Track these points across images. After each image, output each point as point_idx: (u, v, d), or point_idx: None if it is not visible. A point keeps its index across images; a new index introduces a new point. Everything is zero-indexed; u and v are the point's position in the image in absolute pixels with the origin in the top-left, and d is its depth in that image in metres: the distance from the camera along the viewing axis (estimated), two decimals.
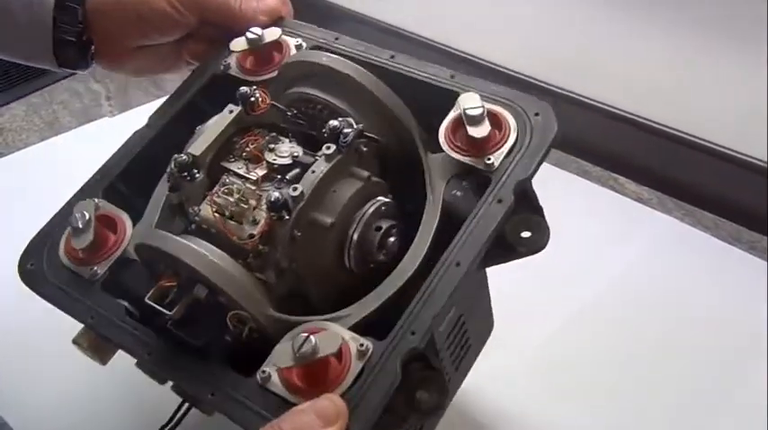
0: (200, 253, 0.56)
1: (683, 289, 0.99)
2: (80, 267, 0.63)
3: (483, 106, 0.60)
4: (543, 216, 0.58)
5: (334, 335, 0.52)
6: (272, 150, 0.63)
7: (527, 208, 0.58)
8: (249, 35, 0.69)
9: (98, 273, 0.62)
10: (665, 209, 1.15)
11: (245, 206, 0.59)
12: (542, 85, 1.33)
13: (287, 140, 0.64)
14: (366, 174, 0.61)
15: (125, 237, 0.63)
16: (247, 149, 0.63)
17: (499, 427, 0.81)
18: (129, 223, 0.64)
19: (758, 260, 1.04)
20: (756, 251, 1.07)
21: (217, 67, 0.71)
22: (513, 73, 1.36)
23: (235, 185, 0.60)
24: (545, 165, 1.22)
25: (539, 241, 0.57)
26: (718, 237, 1.09)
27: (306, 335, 0.51)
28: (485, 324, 0.74)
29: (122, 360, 0.63)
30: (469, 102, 0.60)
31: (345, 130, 0.60)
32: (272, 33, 0.69)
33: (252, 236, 0.58)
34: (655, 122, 1.22)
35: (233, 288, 0.56)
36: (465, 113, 0.60)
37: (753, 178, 1.12)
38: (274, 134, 0.64)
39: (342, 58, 0.65)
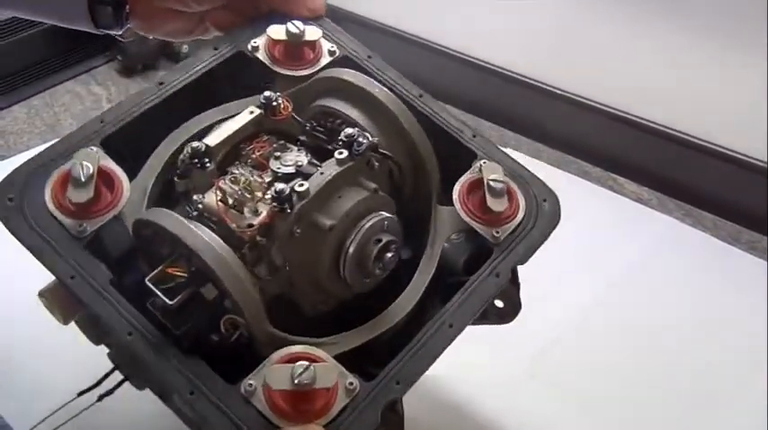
0: (222, 256, 0.55)
1: (684, 289, 0.99)
2: (68, 220, 0.58)
3: (506, 182, 0.63)
4: (519, 291, 0.63)
5: (332, 368, 0.53)
6: (277, 158, 0.62)
7: (511, 280, 0.62)
8: (291, 28, 0.68)
9: (87, 230, 0.58)
10: (664, 209, 1.16)
11: (249, 196, 0.59)
12: (542, 86, 1.33)
13: (294, 149, 0.64)
14: (374, 186, 0.61)
15: (121, 198, 0.59)
16: (253, 156, 0.63)
17: (503, 425, 0.81)
18: (126, 184, 0.60)
19: (758, 260, 1.05)
20: (756, 251, 1.07)
21: (245, 45, 0.70)
22: (513, 74, 1.36)
23: (243, 176, 0.60)
24: (545, 166, 1.23)
25: (509, 313, 0.63)
26: (717, 238, 1.10)
27: (307, 364, 0.51)
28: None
29: None
30: (494, 173, 0.63)
31: (360, 139, 0.60)
32: (313, 33, 0.69)
33: (251, 225, 0.57)
34: (654, 123, 1.23)
35: (242, 297, 0.55)
36: (488, 184, 0.63)
37: (752, 178, 1.13)
38: (282, 142, 0.64)
39: (375, 81, 0.65)
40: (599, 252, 0.98)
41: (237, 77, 0.68)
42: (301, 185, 0.57)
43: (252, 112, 0.65)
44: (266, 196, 0.59)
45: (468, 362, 0.75)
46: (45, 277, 0.58)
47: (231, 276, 0.54)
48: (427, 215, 0.65)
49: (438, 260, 0.63)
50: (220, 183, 0.59)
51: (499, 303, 0.63)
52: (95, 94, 1.47)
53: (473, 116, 1.39)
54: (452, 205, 0.64)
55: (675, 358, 0.90)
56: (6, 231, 0.58)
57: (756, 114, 1.10)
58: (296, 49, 0.69)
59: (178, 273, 0.55)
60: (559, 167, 1.25)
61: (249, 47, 0.70)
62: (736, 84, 1.13)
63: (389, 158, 0.63)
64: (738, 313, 0.96)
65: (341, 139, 0.61)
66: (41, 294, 0.58)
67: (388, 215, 0.60)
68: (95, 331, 0.61)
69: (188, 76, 0.67)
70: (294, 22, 0.68)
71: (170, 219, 0.56)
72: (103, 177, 0.59)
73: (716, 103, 1.16)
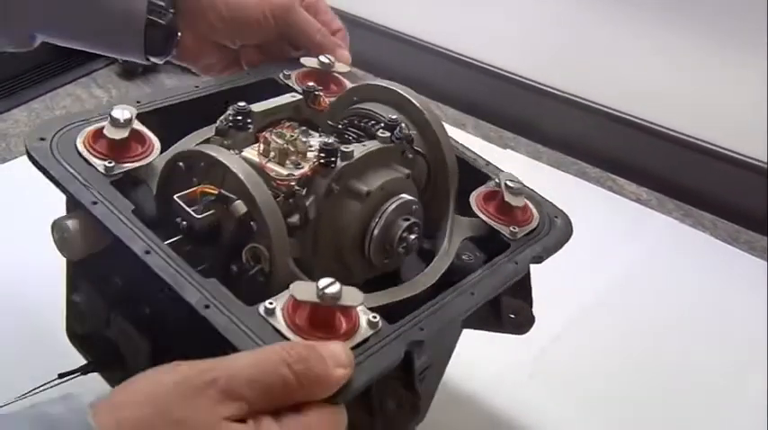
0: (254, 174, 0.56)
1: (683, 289, 1.00)
2: (97, 161, 0.59)
3: (522, 184, 0.66)
4: (531, 306, 0.66)
5: (356, 293, 0.51)
6: (304, 139, 0.64)
7: (524, 296, 0.66)
8: (323, 59, 0.75)
9: (114, 170, 0.59)
10: (664, 209, 1.16)
11: (293, 148, 0.61)
12: (542, 87, 1.33)
13: (317, 135, 0.66)
14: (407, 171, 0.64)
15: (151, 154, 0.61)
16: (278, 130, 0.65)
17: (503, 425, 0.82)
18: (158, 147, 0.62)
19: (757, 260, 1.05)
20: (756, 251, 1.08)
21: (277, 72, 0.76)
22: (513, 75, 1.36)
23: (288, 133, 0.62)
24: (544, 167, 1.23)
25: (523, 324, 0.66)
26: (717, 238, 1.10)
27: (332, 280, 0.50)
28: (426, 404, 0.75)
29: None
30: (510, 178, 0.67)
31: (402, 126, 0.64)
32: (342, 66, 0.76)
33: (291, 175, 0.59)
34: (654, 124, 1.23)
35: (271, 217, 0.55)
36: (506, 184, 0.66)
37: (752, 179, 1.13)
38: (305, 128, 0.67)
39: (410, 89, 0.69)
40: (599, 252, 0.98)
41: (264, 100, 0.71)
42: (347, 148, 0.60)
43: (294, 96, 0.70)
44: (307, 155, 0.61)
45: (468, 361, 0.75)
46: None
47: (262, 193, 0.55)
48: (440, 221, 0.68)
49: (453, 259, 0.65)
50: (266, 135, 0.62)
51: (513, 315, 0.66)
52: (96, 97, 1.47)
53: (473, 117, 1.39)
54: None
55: (675, 358, 0.91)
56: None
57: (756, 115, 1.10)
58: (325, 79, 0.75)
59: (209, 190, 0.56)
60: (559, 168, 1.25)
61: (281, 74, 0.76)
62: (736, 84, 1.13)
63: (422, 155, 0.66)
64: (738, 313, 0.97)
65: (384, 123, 0.64)
66: (56, 222, 0.58)
67: (415, 200, 0.63)
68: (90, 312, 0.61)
69: (221, 86, 0.72)
70: (326, 54, 0.75)
71: (207, 147, 0.59)
72: (136, 136, 0.61)
73: (715, 103, 1.17)
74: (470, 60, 1.42)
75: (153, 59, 0.78)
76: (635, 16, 1.21)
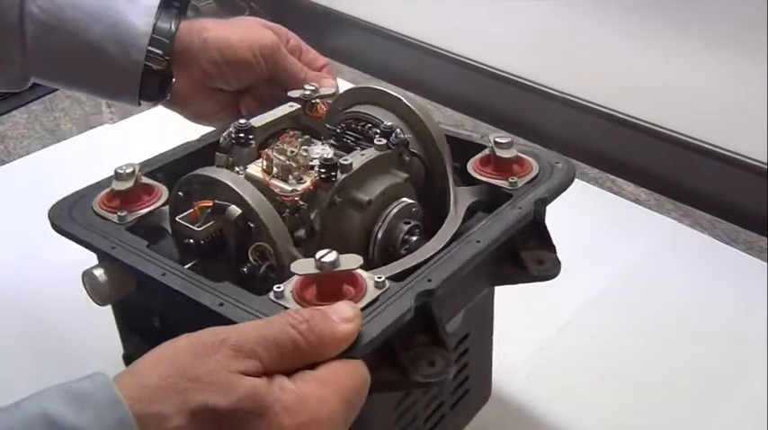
0: (241, 179, 0.61)
1: (682, 290, 1.00)
2: (111, 214, 0.66)
3: (513, 144, 0.68)
4: (555, 253, 0.66)
5: (355, 257, 0.53)
6: (305, 152, 0.67)
7: (545, 245, 0.66)
8: (307, 87, 0.79)
9: (127, 218, 0.65)
10: (663, 210, 1.16)
11: (294, 164, 0.65)
12: (540, 87, 1.33)
13: (319, 143, 0.70)
14: (405, 175, 0.67)
15: (160, 199, 0.67)
16: (279, 145, 0.68)
17: (500, 425, 0.82)
18: (165, 192, 0.67)
19: (756, 260, 1.05)
20: (754, 251, 1.07)
21: None
22: (510, 76, 1.36)
23: (288, 148, 0.66)
24: None
25: (550, 271, 0.65)
26: (716, 238, 1.10)
27: (329, 250, 0.53)
28: (484, 384, 0.79)
29: None
30: (499, 135, 0.69)
31: (398, 131, 0.67)
32: (327, 89, 0.79)
33: (295, 191, 0.63)
34: (652, 124, 1.23)
35: (265, 214, 0.59)
36: (495, 141, 0.68)
37: (751, 179, 1.13)
38: (308, 137, 0.71)
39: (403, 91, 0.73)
40: (597, 253, 0.98)
41: None
42: (345, 160, 0.63)
43: (291, 106, 0.74)
44: (308, 169, 0.64)
45: None
46: None
47: (251, 194, 0.59)
48: (445, 200, 0.69)
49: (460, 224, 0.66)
50: (267, 152, 0.65)
51: (540, 264, 0.65)
52: (95, 99, 1.47)
53: (470, 117, 1.39)
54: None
55: (673, 358, 0.90)
56: None
57: (755, 115, 1.10)
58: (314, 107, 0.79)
59: (204, 205, 0.60)
60: None
61: None
62: (736, 84, 1.13)
63: (418, 157, 0.69)
64: (737, 313, 0.96)
65: (380, 130, 0.67)
66: (84, 273, 0.63)
67: (415, 203, 0.66)
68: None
69: (220, 134, 0.75)
70: (309, 84, 0.79)
71: (198, 170, 0.63)
72: (144, 188, 0.67)
73: (714, 103, 1.16)
74: (468, 61, 1.42)
75: (145, 104, 0.81)
76: (634, 16, 1.21)
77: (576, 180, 1.19)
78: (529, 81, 1.35)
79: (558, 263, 0.65)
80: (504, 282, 0.68)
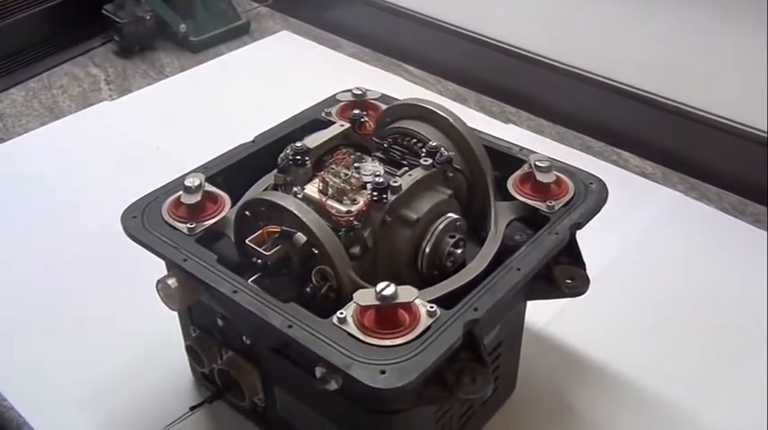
0: (306, 208, 0.67)
1: (688, 262, 1.02)
2: (180, 224, 0.73)
3: (551, 164, 0.75)
4: (585, 269, 0.73)
5: (411, 290, 0.61)
6: (357, 169, 0.74)
7: (575, 261, 0.73)
8: (355, 91, 0.87)
9: (196, 229, 0.72)
10: (669, 183, 1.17)
11: (348, 187, 0.71)
12: (544, 60, 1.33)
13: (370, 160, 0.76)
14: (450, 192, 0.73)
15: (224, 209, 0.74)
16: (334, 167, 0.74)
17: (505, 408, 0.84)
18: (228, 202, 0.75)
19: (763, 232, 1.06)
20: (761, 223, 1.09)
21: (319, 113, 0.89)
22: (515, 48, 1.35)
23: (342, 171, 0.72)
24: (548, 142, 1.23)
25: (579, 288, 0.72)
26: (722, 211, 1.10)
27: (389, 283, 0.60)
28: (511, 379, 0.85)
29: None
30: (539, 158, 0.76)
31: (442, 151, 0.74)
32: (373, 93, 0.88)
33: (349, 212, 0.69)
34: (658, 96, 1.22)
35: (328, 242, 0.66)
36: (535, 165, 0.75)
37: (757, 151, 1.13)
38: (359, 154, 0.77)
39: (444, 107, 0.80)
40: (603, 226, 0.96)
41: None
42: (395, 182, 0.69)
43: (342, 125, 0.81)
44: (361, 190, 0.71)
45: None
46: None
47: (316, 222, 0.66)
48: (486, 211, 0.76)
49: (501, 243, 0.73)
50: (323, 175, 0.71)
51: (569, 280, 0.72)
52: (93, 76, 1.47)
53: (475, 92, 1.39)
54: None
55: (680, 331, 0.91)
56: None
57: (761, 86, 1.09)
58: (362, 108, 0.85)
59: (272, 230, 0.67)
60: (562, 143, 1.25)
61: (323, 113, 0.88)
62: (742, 56, 1.12)
63: (461, 172, 0.76)
64: (743, 285, 0.97)
65: (426, 150, 0.74)
66: (160, 281, 0.70)
67: (459, 217, 0.72)
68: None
69: (275, 136, 0.85)
70: (358, 86, 0.88)
71: (265, 194, 0.72)
72: (208, 196, 0.75)
73: (722, 76, 1.16)
74: (472, 34, 1.42)
75: None
76: None
77: (582, 154, 1.21)
78: (533, 53, 1.35)
79: (588, 280, 0.72)
80: (537, 298, 0.74)
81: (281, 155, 0.75)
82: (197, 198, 0.73)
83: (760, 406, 0.83)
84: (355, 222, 0.69)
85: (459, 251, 0.71)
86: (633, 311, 0.95)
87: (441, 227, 0.70)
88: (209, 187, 0.75)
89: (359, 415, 0.65)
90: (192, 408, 0.80)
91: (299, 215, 0.66)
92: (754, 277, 0.99)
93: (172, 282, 0.69)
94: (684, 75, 1.20)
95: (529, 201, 0.74)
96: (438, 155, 0.73)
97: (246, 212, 0.71)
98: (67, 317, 0.95)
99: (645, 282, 0.99)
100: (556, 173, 0.75)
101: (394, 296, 0.60)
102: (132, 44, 1.53)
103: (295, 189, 0.72)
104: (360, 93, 0.87)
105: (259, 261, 0.68)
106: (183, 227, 0.72)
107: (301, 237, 0.66)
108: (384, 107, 0.84)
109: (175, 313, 0.78)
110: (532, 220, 0.74)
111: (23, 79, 1.46)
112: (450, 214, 0.72)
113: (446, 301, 0.65)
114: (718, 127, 1.18)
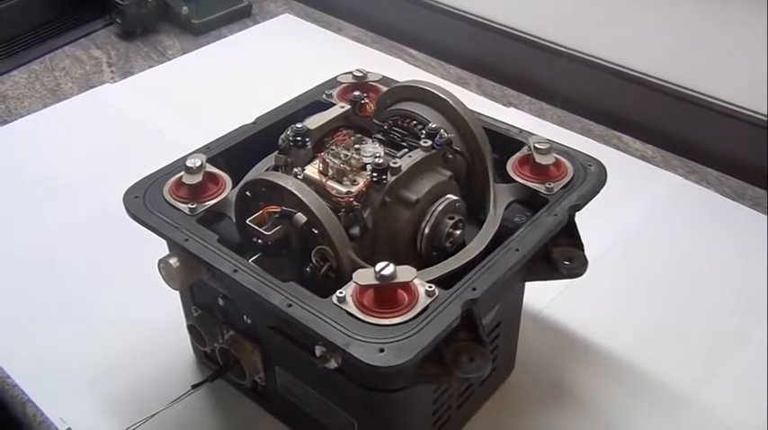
0: (306, 189, 0.68)
1: (688, 245, 1.02)
2: (182, 204, 0.73)
3: (550, 146, 0.75)
4: (583, 251, 0.73)
5: (409, 269, 0.62)
6: (357, 150, 0.74)
7: (574, 243, 0.73)
8: (356, 73, 0.88)
9: (197, 210, 0.73)
10: (669, 166, 1.17)
11: (348, 168, 0.71)
12: (545, 43, 1.33)
13: (370, 142, 0.77)
14: (449, 173, 0.74)
15: (225, 190, 0.75)
16: (334, 148, 0.75)
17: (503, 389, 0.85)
18: (229, 182, 0.76)
19: (762, 216, 1.06)
20: (760, 207, 1.09)
21: (320, 95, 0.89)
22: (515, 32, 1.35)
23: (342, 152, 0.72)
24: (548, 125, 1.23)
25: (577, 269, 0.72)
26: (722, 194, 1.10)
27: (387, 263, 0.61)
28: (509, 359, 0.85)
29: None
30: (538, 140, 0.76)
31: (442, 132, 0.74)
32: (374, 75, 0.89)
33: (349, 192, 0.69)
34: (659, 80, 1.22)
35: (328, 222, 0.66)
36: (534, 146, 0.75)
37: (757, 134, 1.13)
38: (360, 135, 0.78)
39: (444, 89, 0.80)
40: (603, 209, 0.97)
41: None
42: (395, 163, 0.70)
43: (342, 107, 0.81)
44: (361, 171, 0.71)
45: None
46: None
47: (316, 203, 0.67)
48: (485, 192, 0.77)
49: (500, 225, 0.74)
50: (323, 155, 0.72)
51: (568, 262, 0.72)
52: (95, 58, 1.48)
53: (476, 75, 1.38)
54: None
55: (679, 314, 0.92)
56: None
57: (761, 69, 1.09)
58: (362, 89, 0.86)
59: (272, 210, 0.68)
60: (563, 126, 1.25)
61: (324, 95, 0.89)
62: (742, 39, 1.12)
63: (460, 154, 0.76)
64: (743, 269, 0.97)
65: (426, 132, 0.74)
66: (160, 262, 0.71)
67: (459, 199, 0.73)
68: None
69: (276, 117, 0.85)
70: (359, 68, 0.88)
71: (265, 174, 0.72)
72: (209, 177, 0.75)
73: (721, 59, 1.16)
74: (473, 17, 1.41)
75: None
76: None
77: (582, 137, 1.21)
78: (534, 36, 1.35)
79: (586, 261, 0.73)
80: (535, 279, 0.75)
81: (282, 136, 0.76)
82: (198, 179, 0.74)
83: (759, 389, 0.83)
84: (355, 203, 0.69)
85: (458, 232, 0.72)
86: (632, 294, 0.95)
87: (440, 208, 0.71)
88: (210, 168, 0.76)
89: (358, 393, 0.66)
90: (194, 387, 0.81)
91: (300, 195, 0.66)
92: (754, 261, 0.99)
93: (173, 261, 0.70)
94: (685, 59, 1.20)
95: (528, 183, 0.75)
96: (438, 136, 0.73)
97: (247, 193, 0.72)
98: (70, 296, 0.96)
99: (644, 266, 1.00)
100: (555, 155, 0.76)
101: (393, 275, 0.60)
102: (134, 26, 1.53)
103: (295, 170, 0.72)
104: (360, 75, 0.88)
105: (259, 241, 0.68)
106: (184, 207, 0.73)
107: (301, 217, 0.67)
108: (384, 89, 0.84)
109: (177, 293, 0.78)
110: (531, 202, 0.75)
111: (26, 61, 1.46)
112: (449, 195, 0.72)
113: (445, 282, 0.65)
114: (718, 110, 1.18)
